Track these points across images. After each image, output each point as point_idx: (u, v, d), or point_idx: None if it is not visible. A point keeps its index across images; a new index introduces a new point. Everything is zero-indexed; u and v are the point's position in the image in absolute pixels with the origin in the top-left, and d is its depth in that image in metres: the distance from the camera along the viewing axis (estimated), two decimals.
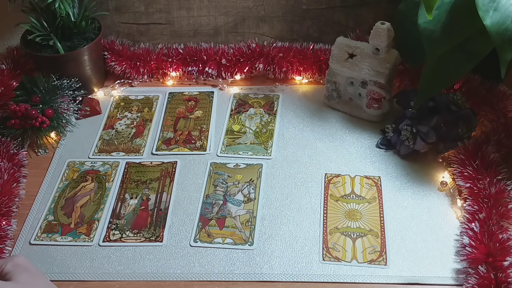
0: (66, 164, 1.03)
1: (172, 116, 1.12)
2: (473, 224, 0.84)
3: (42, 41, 1.10)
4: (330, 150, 1.03)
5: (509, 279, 0.75)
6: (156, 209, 0.94)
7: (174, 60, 1.19)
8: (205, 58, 1.19)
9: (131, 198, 0.96)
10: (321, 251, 0.86)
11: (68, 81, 1.09)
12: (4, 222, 0.89)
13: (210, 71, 1.19)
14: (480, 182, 0.89)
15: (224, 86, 1.18)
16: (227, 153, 1.03)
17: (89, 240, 0.89)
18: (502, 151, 0.95)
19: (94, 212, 0.94)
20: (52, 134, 1.08)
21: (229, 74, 1.19)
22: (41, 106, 1.05)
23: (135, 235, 0.90)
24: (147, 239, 0.89)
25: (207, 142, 1.06)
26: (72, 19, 1.10)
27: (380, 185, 0.96)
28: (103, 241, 0.89)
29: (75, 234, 0.90)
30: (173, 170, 1.00)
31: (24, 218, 0.93)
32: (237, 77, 1.19)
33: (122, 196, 0.96)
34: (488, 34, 0.82)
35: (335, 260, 0.84)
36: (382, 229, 0.88)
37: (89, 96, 1.15)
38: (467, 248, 0.82)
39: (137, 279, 0.84)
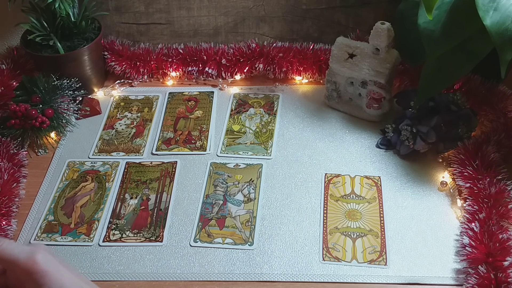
0: (66, 164, 1.03)
1: (172, 116, 1.12)
2: (473, 224, 0.84)
3: (42, 41, 1.10)
4: (330, 150, 1.03)
5: (509, 279, 0.75)
6: (156, 209, 0.94)
7: (174, 60, 1.19)
8: (205, 58, 1.19)
9: (131, 198, 0.96)
10: (321, 251, 0.86)
11: (68, 81, 1.09)
12: (4, 222, 0.89)
13: (210, 71, 1.19)
14: (480, 182, 0.89)
15: (224, 86, 1.18)
16: (227, 153, 1.03)
17: (89, 240, 0.89)
18: (502, 151, 0.95)
19: (94, 212, 0.94)
20: (52, 134, 1.08)
21: (229, 74, 1.19)
22: (41, 106, 1.05)
23: (135, 235, 0.90)
24: (147, 239, 0.89)
25: (207, 142, 1.06)
26: (72, 19, 1.10)
27: (380, 185, 0.96)
28: (103, 241, 0.89)
29: (75, 234, 0.90)
30: (173, 170, 1.00)
31: (24, 218, 0.93)
32: (237, 77, 1.19)
33: (122, 196, 0.96)
34: (488, 34, 0.82)
35: (335, 260, 0.84)
36: (382, 229, 0.88)
37: (89, 96, 1.15)
38: (467, 248, 0.82)
39: (137, 279, 0.84)
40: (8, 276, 0.61)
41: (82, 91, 1.11)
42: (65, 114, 1.08)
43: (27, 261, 0.58)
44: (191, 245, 0.88)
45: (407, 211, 0.91)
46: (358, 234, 0.88)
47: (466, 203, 0.89)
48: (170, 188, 0.97)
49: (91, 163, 1.03)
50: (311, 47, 1.18)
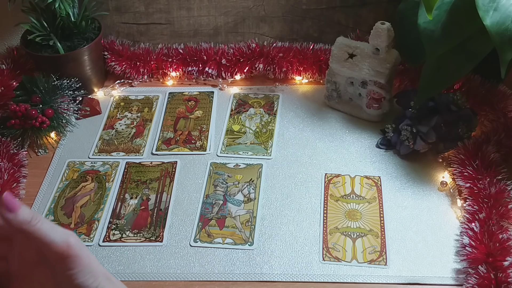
0: (66, 164, 1.03)
1: (172, 116, 1.12)
2: (473, 224, 0.84)
3: (42, 41, 1.10)
4: (330, 150, 1.03)
5: (509, 279, 0.75)
6: (156, 209, 0.94)
7: (174, 60, 1.19)
8: (205, 58, 1.19)
9: (131, 198, 0.96)
10: (321, 251, 0.86)
11: (68, 81, 1.09)
12: None
13: (210, 71, 1.19)
14: (480, 182, 0.89)
15: (224, 86, 1.18)
16: (227, 153, 1.03)
17: (89, 240, 0.89)
18: (502, 151, 0.95)
19: (94, 212, 0.94)
20: (52, 134, 1.08)
21: (229, 74, 1.19)
22: (41, 106, 1.05)
23: (135, 235, 0.90)
24: (147, 239, 0.89)
25: (207, 142, 1.06)
26: (72, 19, 1.10)
27: (380, 185, 0.96)
28: (103, 241, 0.89)
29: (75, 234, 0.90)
30: (173, 170, 1.00)
31: None
32: (237, 77, 1.19)
33: (122, 196, 0.96)
34: (488, 34, 0.82)
35: (335, 260, 0.84)
36: (382, 229, 0.88)
37: (89, 96, 1.15)
38: (467, 248, 0.82)
39: (137, 279, 0.84)
40: (11, 260, 0.60)
41: (82, 91, 1.11)
42: (65, 114, 1.08)
43: (62, 245, 0.57)
44: (191, 245, 0.88)
45: (407, 211, 0.91)
46: (358, 234, 0.88)
47: (466, 203, 0.89)
48: (170, 188, 0.97)
49: (91, 163, 1.03)
50: (311, 47, 1.18)
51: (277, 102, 1.14)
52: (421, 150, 0.98)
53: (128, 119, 1.12)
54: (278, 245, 0.87)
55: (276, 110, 1.12)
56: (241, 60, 1.18)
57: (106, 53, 1.19)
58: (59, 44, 1.09)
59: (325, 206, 0.93)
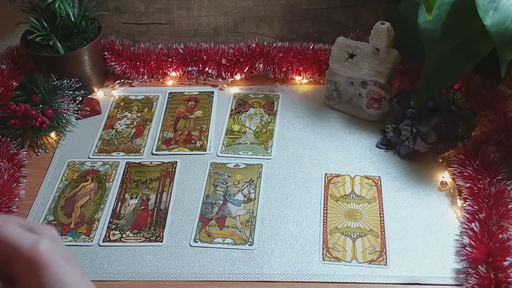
0: (66, 164, 1.03)
1: (172, 116, 1.12)
2: (473, 224, 0.84)
3: (42, 41, 1.10)
4: (330, 150, 1.03)
5: (509, 279, 0.75)
6: (156, 209, 0.94)
7: (174, 60, 1.19)
8: (205, 58, 1.19)
9: (131, 198, 0.96)
10: (321, 251, 0.86)
11: (68, 81, 1.09)
12: None
13: (210, 71, 1.19)
14: (480, 182, 0.89)
15: (224, 86, 1.18)
16: (227, 153, 1.03)
17: (89, 240, 0.89)
18: (502, 151, 0.95)
19: (94, 212, 0.94)
20: (52, 134, 1.08)
21: (229, 74, 1.19)
22: (41, 106, 1.05)
23: (135, 235, 0.90)
24: (147, 239, 0.89)
25: (207, 142, 1.06)
26: (72, 19, 1.10)
27: (380, 185, 0.96)
28: (103, 241, 0.89)
29: (75, 234, 0.90)
30: (173, 170, 1.00)
31: (24, 218, 0.93)
32: (237, 77, 1.19)
33: (122, 196, 0.96)
34: (488, 34, 0.82)
35: (335, 260, 0.84)
36: (382, 229, 0.88)
37: (89, 96, 1.15)
38: (467, 248, 0.82)
39: (137, 279, 0.84)
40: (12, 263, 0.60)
41: (82, 91, 1.11)
42: (65, 114, 1.08)
43: (29, 250, 0.56)
44: (191, 245, 0.88)
45: (407, 211, 0.91)
46: (358, 234, 0.88)
47: (466, 203, 0.89)
48: (170, 188, 0.97)
49: (91, 163, 1.03)
50: (311, 47, 1.18)
51: (277, 102, 1.14)
52: (421, 150, 0.98)
53: (128, 119, 1.12)
54: (278, 245, 0.87)
55: (276, 110, 1.12)
56: (241, 60, 1.18)
57: (106, 53, 1.19)
58: (59, 44, 1.09)
59: (325, 206, 0.93)
